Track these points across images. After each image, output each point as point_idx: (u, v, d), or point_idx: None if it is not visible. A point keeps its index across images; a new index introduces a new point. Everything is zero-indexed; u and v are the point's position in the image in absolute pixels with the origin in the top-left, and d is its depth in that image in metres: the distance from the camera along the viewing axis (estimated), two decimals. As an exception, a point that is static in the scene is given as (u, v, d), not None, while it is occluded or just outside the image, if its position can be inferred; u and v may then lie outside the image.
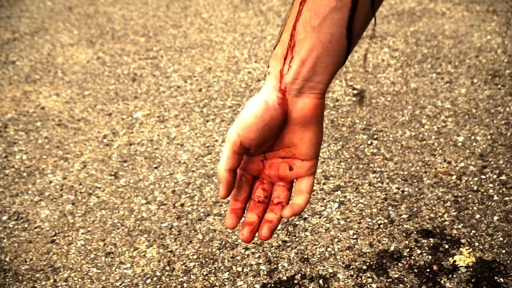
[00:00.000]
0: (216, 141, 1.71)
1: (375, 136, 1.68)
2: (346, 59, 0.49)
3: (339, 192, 1.44)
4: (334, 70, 0.49)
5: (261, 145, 0.54)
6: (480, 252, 1.21)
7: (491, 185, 1.43)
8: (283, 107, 0.51)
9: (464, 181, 1.45)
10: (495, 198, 1.38)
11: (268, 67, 0.51)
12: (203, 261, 1.24)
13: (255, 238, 1.29)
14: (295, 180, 0.57)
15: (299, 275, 1.19)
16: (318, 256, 1.23)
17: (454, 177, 1.47)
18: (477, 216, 1.32)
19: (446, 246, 1.24)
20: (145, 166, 1.60)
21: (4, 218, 1.42)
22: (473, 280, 1.14)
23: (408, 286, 1.14)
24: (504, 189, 1.41)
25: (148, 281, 1.20)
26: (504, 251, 1.21)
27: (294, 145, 0.55)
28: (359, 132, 1.71)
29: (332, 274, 1.18)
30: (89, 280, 1.21)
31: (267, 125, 0.51)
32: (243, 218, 0.57)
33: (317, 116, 0.52)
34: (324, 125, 1.75)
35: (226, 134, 0.50)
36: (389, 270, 1.18)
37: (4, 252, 1.30)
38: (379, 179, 1.48)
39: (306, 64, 0.48)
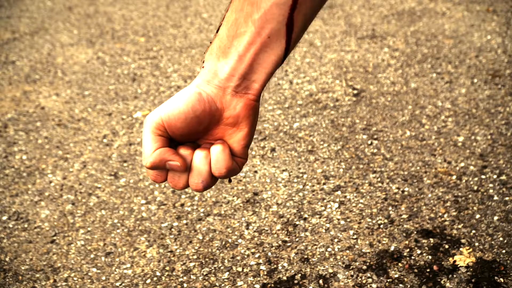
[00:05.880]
0: (216, 141, 1.71)
1: (375, 136, 1.68)
2: (283, 60, 0.48)
3: (339, 192, 1.44)
4: (271, 69, 0.48)
5: (184, 138, 0.51)
6: (480, 252, 1.21)
7: (491, 185, 1.43)
8: (216, 103, 0.49)
9: (464, 181, 1.45)
10: (495, 198, 1.38)
11: (203, 62, 0.49)
12: (203, 261, 1.24)
13: (255, 239, 1.30)
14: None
15: (299, 275, 1.19)
16: (318, 256, 1.23)
17: (454, 177, 1.47)
18: (477, 216, 1.32)
19: (446, 246, 1.24)
20: (145, 166, 1.60)
21: (4, 218, 1.42)
22: (473, 280, 1.14)
23: (408, 286, 1.14)
24: (504, 189, 1.41)
25: (148, 281, 1.20)
26: (504, 251, 1.21)
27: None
28: (359, 132, 1.70)
29: (332, 274, 1.18)
30: (89, 280, 1.21)
31: (197, 117, 0.48)
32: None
33: (249, 117, 0.50)
34: (324, 125, 1.75)
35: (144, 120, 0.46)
36: (389, 270, 1.18)
37: (4, 252, 1.30)
38: (379, 179, 1.48)
39: (244, 60, 0.47)
